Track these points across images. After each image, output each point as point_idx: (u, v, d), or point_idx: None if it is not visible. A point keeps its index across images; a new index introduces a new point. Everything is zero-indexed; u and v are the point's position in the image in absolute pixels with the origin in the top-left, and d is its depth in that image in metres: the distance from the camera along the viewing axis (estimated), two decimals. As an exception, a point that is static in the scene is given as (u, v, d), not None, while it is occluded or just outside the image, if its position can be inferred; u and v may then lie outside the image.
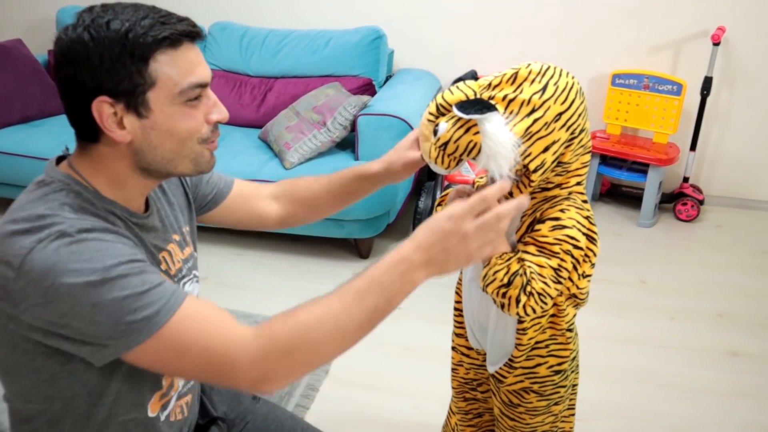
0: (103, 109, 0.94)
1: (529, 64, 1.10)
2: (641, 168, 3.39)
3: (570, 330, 1.24)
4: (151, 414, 1.07)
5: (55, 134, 3.15)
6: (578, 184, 1.16)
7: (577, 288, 1.18)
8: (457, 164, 1.13)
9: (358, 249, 3.04)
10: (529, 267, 1.11)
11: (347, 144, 3.00)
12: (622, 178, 3.45)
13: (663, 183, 3.40)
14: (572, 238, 1.11)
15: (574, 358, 1.30)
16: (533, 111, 1.06)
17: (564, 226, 1.11)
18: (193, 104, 0.99)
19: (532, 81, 1.08)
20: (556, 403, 1.31)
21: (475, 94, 1.11)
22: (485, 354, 1.34)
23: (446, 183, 3.11)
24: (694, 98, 3.38)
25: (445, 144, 1.11)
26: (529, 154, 1.07)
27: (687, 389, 2.19)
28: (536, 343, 1.24)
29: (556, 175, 1.13)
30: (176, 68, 0.95)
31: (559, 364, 1.26)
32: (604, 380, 2.22)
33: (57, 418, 1.00)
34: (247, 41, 3.52)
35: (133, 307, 0.89)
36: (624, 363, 2.32)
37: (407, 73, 3.54)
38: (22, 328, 0.91)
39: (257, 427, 1.37)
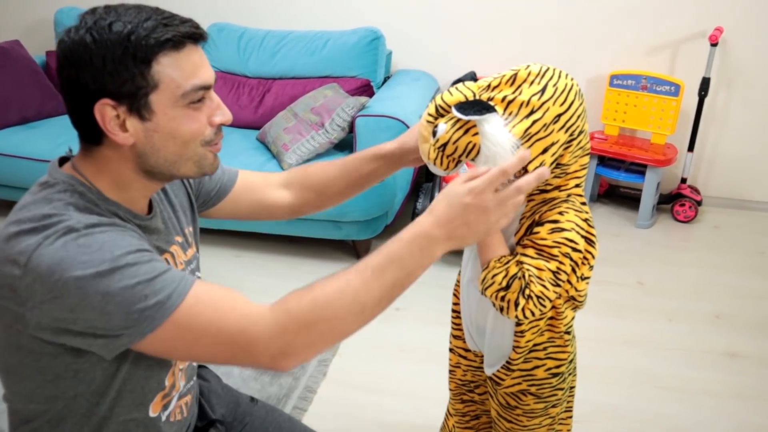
0: (106, 112, 0.94)
1: (528, 66, 1.10)
2: (639, 169, 3.39)
3: (568, 333, 1.24)
4: (152, 414, 1.07)
5: (53, 136, 3.15)
6: (577, 186, 1.16)
7: (576, 290, 1.17)
8: (456, 165, 1.13)
9: (356, 250, 3.04)
10: (528, 270, 1.11)
11: (345, 145, 3.00)
12: (620, 179, 3.45)
13: (661, 184, 3.41)
14: (571, 240, 1.11)
15: (571, 361, 1.29)
16: (532, 112, 1.06)
17: (563, 229, 1.11)
18: (196, 107, 0.98)
19: (531, 82, 1.08)
20: (553, 406, 1.31)
21: (474, 96, 1.11)
22: (483, 356, 1.34)
23: (444, 184, 3.11)
24: (691, 99, 3.38)
25: (444, 145, 1.11)
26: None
27: (685, 390, 2.19)
28: (534, 345, 1.24)
29: (555, 177, 1.13)
30: (179, 70, 0.95)
31: (557, 366, 1.25)
32: (601, 382, 2.22)
33: (58, 418, 1.00)
34: (245, 42, 3.52)
35: (144, 294, 0.89)
36: (622, 364, 2.32)
37: (405, 74, 3.54)
38: (29, 328, 0.90)
39: (255, 429, 1.37)
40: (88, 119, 0.95)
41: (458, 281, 1.37)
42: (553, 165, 1.10)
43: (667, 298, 2.75)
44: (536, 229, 1.13)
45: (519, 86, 1.08)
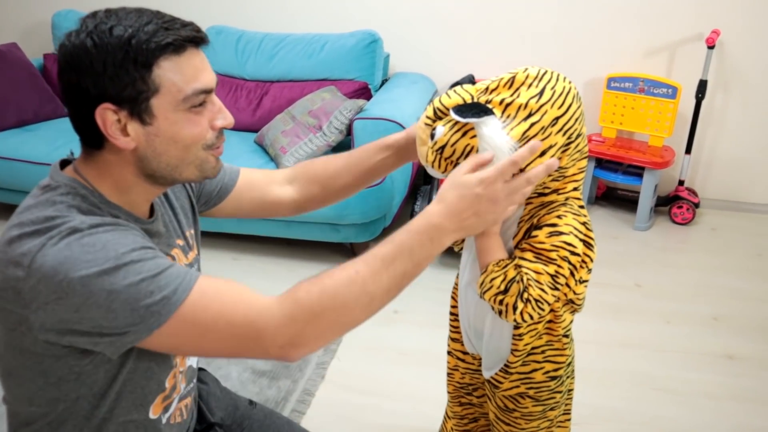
0: (107, 117, 0.94)
1: (526, 69, 1.10)
2: (637, 171, 3.39)
3: (566, 336, 1.24)
4: (152, 416, 1.07)
5: (50, 139, 3.14)
6: (575, 189, 1.16)
7: (574, 294, 1.17)
8: (454, 168, 1.13)
9: (355, 253, 3.04)
10: (526, 273, 1.11)
11: (343, 148, 2.98)
12: (618, 182, 3.45)
13: (658, 186, 3.41)
14: (569, 244, 1.11)
15: (569, 364, 1.29)
16: (530, 115, 1.06)
17: (561, 233, 1.11)
18: (197, 110, 0.98)
19: (530, 85, 1.08)
20: (551, 409, 1.31)
21: (473, 98, 1.11)
22: (481, 359, 1.34)
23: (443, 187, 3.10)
24: (689, 101, 3.39)
25: (442, 148, 1.11)
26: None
27: (683, 393, 2.19)
28: (532, 348, 1.24)
29: (553, 180, 1.13)
30: (180, 74, 0.95)
31: (555, 369, 1.25)
32: (600, 384, 2.22)
33: (59, 420, 1.00)
34: (243, 45, 3.52)
35: (149, 290, 0.89)
36: (620, 367, 2.32)
37: (403, 76, 3.54)
38: (33, 330, 0.90)
39: (254, 432, 1.37)
40: (90, 124, 0.95)
41: (456, 284, 1.37)
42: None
43: (665, 300, 2.75)
44: (534, 233, 1.13)
45: (517, 89, 1.08)
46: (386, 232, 3.01)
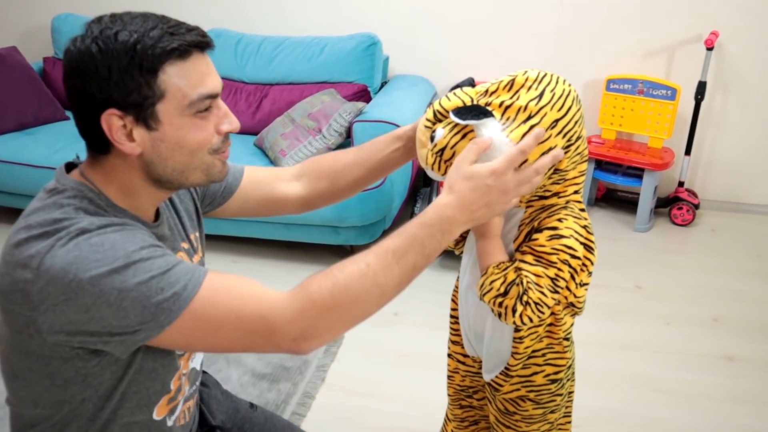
0: (113, 122, 0.94)
1: (525, 71, 1.10)
2: (636, 173, 3.39)
3: (567, 339, 1.24)
4: (156, 417, 1.07)
5: (50, 142, 3.14)
6: (576, 192, 1.16)
7: (575, 297, 1.17)
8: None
9: (354, 255, 3.04)
10: (526, 276, 1.11)
11: (343, 150, 3.00)
12: (618, 183, 3.45)
13: (658, 187, 3.41)
14: (569, 247, 1.11)
15: (570, 367, 1.29)
16: (530, 117, 1.06)
17: (561, 236, 1.11)
18: (203, 115, 0.98)
19: (529, 88, 1.08)
20: (552, 411, 1.31)
21: (472, 101, 1.12)
22: (481, 362, 1.34)
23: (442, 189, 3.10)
24: (688, 103, 3.39)
25: (442, 150, 1.11)
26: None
27: (683, 394, 2.19)
28: (533, 351, 1.24)
29: (554, 183, 1.13)
30: (186, 80, 0.94)
31: (556, 372, 1.25)
32: (600, 386, 2.22)
33: (63, 422, 1.00)
34: (242, 48, 3.52)
35: (160, 287, 0.89)
36: (620, 368, 2.32)
37: (402, 79, 3.54)
38: (42, 332, 0.90)
39: (255, 435, 1.37)
40: (95, 129, 0.95)
41: (456, 287, 1.37)
42: (551, 171, 1.10)
43: (665, 301, 2.75)
44: (535, 236, 1.13)
45: (517, 91, 1.08)
46: (386, 234, 3.01)
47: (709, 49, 3.18)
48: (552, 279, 1.11)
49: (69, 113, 3.55)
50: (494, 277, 1.12)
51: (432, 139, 1.12)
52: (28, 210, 0.95)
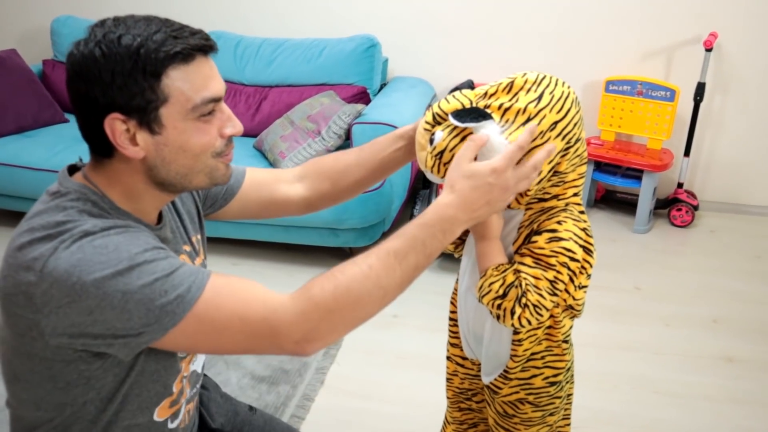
0: (116, 127, 0.93)
1: (524, 74, 1.10)
2: (636, 174, 3.39)
3: (566, 341, 1.24)
4: (157, 418, 1.07)
5: (49, 145, 3.14)
6: (575, 195, 1.16)
7: (574, 299, 1.17)
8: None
9: (354, 257, 3.04)
10: (525, 279, 1.11)
11: (342, 152, 3.00)
12: (617, 185, 3.46)
13: (657, 189, 3.41)
14: (569, 250, 1.11)
15: (569, 369, 1.29)
16: (529, 119, 1.06)
17: (561, 238, 1.11)
18: (206, 119, 0.98)
19: (528, 90, 1.08)
20: (551, 414, 1.31)
21: (471, 103, 1.12)
22: (480, 364, 1.34)
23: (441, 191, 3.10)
24: (687, 104, 3.39)
25: (441, 153, 1.11)
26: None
27: (682, 396, 2.19)
28: (532, 354, 1.24)
29: (553, 185, 1.13)
30: (189, 83, 0.94)
31: (555, 375, 1.25)
32: (599, 388, 2.22)
33: (65, 424, 1.00)
34: (242, 50, 3.52)
35: (164, 289, 0.89)
36: (619, 370, 2.32)
37: (401, 81, 3.55)
38: (45, 335, 0.90)
39: (254, 438, 1.37)
40: (99, 133, 0.95)
41: (455, 289, 1.37)
42: (551, 173, 1.10)
43: (664, 302, 2.75)
44: (534, 238, 1.13)
45: (516, 94, 1.08)
46: (385, 236, 3.01)
47: (708, 50, 3.18)
48: (551, 281, 1.11)
49: (68, 116, 3.56)
50: (493, 279, 1.12)
51: (431, 141, 1.12)
52: (31, 213, 0.95)
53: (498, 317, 1.13)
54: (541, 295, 1.10)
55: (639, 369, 2.32)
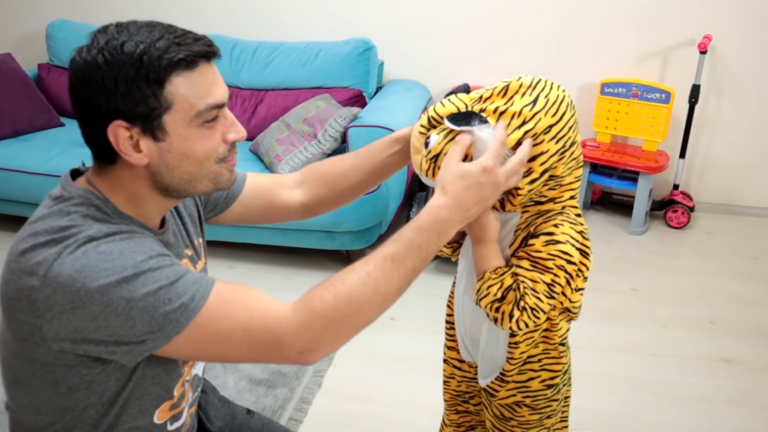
0: (119, 134, 0.93)
1: (520, 77, 1.10)
2: (631, 176, 3.40)
3: (563, 344, 1.24)
4: (156, 421, 1.07)
5: (45, 149, 3.14)
6: (572, 198, 1.16)
7: (570, 302, 1.18)
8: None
9: (351, 260, 3.02)
10: (523, 282, 1.11)
11: (338, 155, 3.00)
12: (613, 186, 3.46)
13: (653, 190, 3.42)
14: (565, 253, 1.11)
15: (566, 372, 1.29)
16: (524, 123, 1.06)
17: (557, 242, 1.11)
18: (210, 125, 0.98)
19: (523, 94, 1.08)
20: (548, 417, 1.31)
21: (467, 107, 1.12)
22: (477, 367, 1.34)
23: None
24: (682, 106, 3.40)
25: (436, 156, 1.11)
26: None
27: (680, 397, 2.19)
28: (529, 357, 1.24)
29: (549, 189, 1.13)
30: (193, 90, 0.94)
31: (552, 378, 1.25)
32: (597, 389, 2.22)
33: (66, 429, 1.00)
34: (237, 54, 3.52)
35: (168, 297, 0.89)
36: (617, 372, 2.32)
37: (397, 84, 3.55)
38: (47, 340, 0.90)
39: (252, 442, 1.36)
40: (102, 139, 0.95)
41: (452, 292, 1.37)
42: (546, 176, 1.10)
43: (661, 304, 2.75)
44: (531, 241, 1.13)
45: (511, 97, 1.09)
46: (382, 239, 3.01)
47: (703, 52, 3.19)
48: (548, 284, 1.11)
49: (64, 119, 3.55)
50: (491, 282, 1.12)
51: (426, 145, 1.13)
52: (34, 217, 0.95)
53: (496, 320, 1.13)
54: (538, 298, 1.10)
55: (636, 371, 2.33)
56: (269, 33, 3.75)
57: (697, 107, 3.44)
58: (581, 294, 1.19)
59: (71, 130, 3.44)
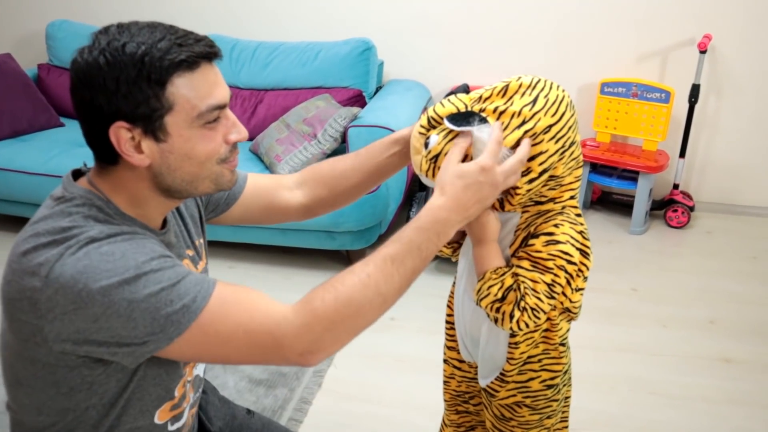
0: (121, 135, 0.93)
1: (519, 77, 1.10)
2: (631, 175, 3.40)
3: (563, 344, 1.24)
4: (157, 421, 1.07)
5: (44, 149, 3.14)
6: (572, 198, 1.16)
7: (570, 302, 1.18)
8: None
9: (351, 260, 3.04)
10: (523, 282, 1.11)
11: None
12: (613, 186, 3.46)
13: (653, 190, 3.42)
14: (566, 253, 1.11)
15: (566, 372, 1.29)
16: (524, 123, 1.07)
17: (558, 242, 1.11)
18: (211, 126, 0.98)
19: (523, 93, 1.08)
20: (548, 417, 1.31)
21: (466, 107, 1.12)
22: (477, 367, 1.34)
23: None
24: (682, 106, 3.40)
25: (436, 156, 1.11)
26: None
27: (679, 397, 2.19)
28: (529, 357, 1.24)
29: (549, 189, 1.13)
30: (194, 91, 0.94)
31: (552, 378, 1.25)
32: (597, 389, 2.22)
33: (67, 429, 1.00)
34: (237, 54, 3.52)
35: (169, 299, 0.89)
36: (616, 372, 2.32)
37: (397, 84, 3.55)
38: (48, 341, 0.90)
39: (252, 442, 1.37)
40: (103, 140, 0.95)
41: (452, 292, 1.37)
42: (546, 176, 1.10)
43: (661, 304, 2.75)
44: (531, 242, 1.13)
45: (510, 97, 1.09)
46: (382, 239, 3.01)
47: (702, 52, 3.19)
48: (548, 285, 1.11)
49: (64, 120, 3.55)
50: (492, 282, 1.12)
51: (426, 145, 1.13)
52: (36, 218, 0.95)
53: (496, 320, 1.13)
54: (538, 299, 1.10)
55: (636, 371, 2.33)
56: (269, 33, 3.75)
57: (697, 107, 3.44)
58: (581, 294, 1.19)
59: (71, 130, 3.45)
